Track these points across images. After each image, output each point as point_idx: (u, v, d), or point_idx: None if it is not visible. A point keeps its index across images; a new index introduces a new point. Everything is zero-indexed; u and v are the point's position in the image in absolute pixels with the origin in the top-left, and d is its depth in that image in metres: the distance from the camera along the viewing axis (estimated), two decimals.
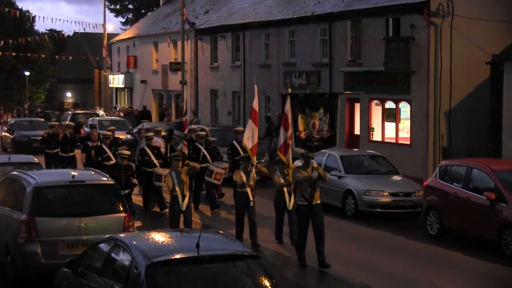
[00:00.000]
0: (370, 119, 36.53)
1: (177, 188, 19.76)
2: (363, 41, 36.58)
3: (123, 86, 68.39)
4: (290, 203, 20.33)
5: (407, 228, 23.61)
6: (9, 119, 67.95)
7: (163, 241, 12.55)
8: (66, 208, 17.16)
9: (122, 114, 59.19)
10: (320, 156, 28.11)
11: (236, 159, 26.13)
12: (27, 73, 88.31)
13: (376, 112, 36.29)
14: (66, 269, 13.38)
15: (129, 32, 71.42)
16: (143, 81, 63.46)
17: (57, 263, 14.59)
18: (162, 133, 30.47)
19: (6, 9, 79.69)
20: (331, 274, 17.85)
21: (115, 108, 69.09)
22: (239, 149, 26.90)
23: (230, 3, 53.72)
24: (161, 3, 71.53)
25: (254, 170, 21.02)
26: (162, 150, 27.18)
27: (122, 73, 68.09)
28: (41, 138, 39.75)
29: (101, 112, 63.16)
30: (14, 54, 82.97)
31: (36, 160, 25.22)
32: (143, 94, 63.47)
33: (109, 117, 54.51)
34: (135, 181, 21.00)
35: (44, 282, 15.08)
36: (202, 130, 37.86)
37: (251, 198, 20.51)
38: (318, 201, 18.39)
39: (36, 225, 16.44)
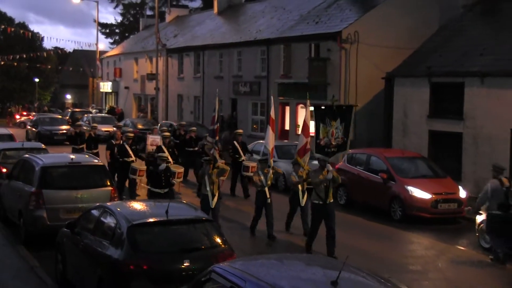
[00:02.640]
0: (297, 118, 36.66)
1: (208, 188, 16.83)
2: (292, 60, 36.68)
3: (110, 90, 67.73)
4: (303, 200, 17.82)
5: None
6: (19, 116, 67.37)
7: (140, 209, 12.58)
8: (66, 183, 17.04)
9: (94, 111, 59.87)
10: (259, 146, 28.11)
11: (241, 160, 24.37)
12: (36, 80, 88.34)
13: (301, 113, 36.25)
14: (66, 229, 13.35)
15: (116, 50, 70.88)
16: (126, 87, 62.85)
17: (59, 225, 14.54)
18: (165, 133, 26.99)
19: (22, 31, 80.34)
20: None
21: (92, 107, 68.79)
22: (239, 148, 25.06)
23: (193, 29, 53.57)
24: (140, 28, 71.06)
25: (271, 171, 18.30)
26: (152, 148, 23.77)
27: (110, 81, 67.41)
28: (65, 133, 39.00)
29: (93, 111, 62.75)
30: (27, 65, 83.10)
31: (43, 146, 24.97)
32: (126, 97, 62.98)
33: (100, 114, 53.79)
34: (174, 180, 18.08)
35: (48, 239, 14.92)
36: (171, 125, 37.93)
37: (268, 196, 17.64)
38: (331, 200, 15.92)
39: (43, 196, 16.42)
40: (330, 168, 15.75)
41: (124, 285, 10.62)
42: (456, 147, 25.42)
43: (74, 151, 25.38)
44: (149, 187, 17.05)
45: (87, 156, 19.58)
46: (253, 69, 40.75)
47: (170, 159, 22.29)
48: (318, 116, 16.26)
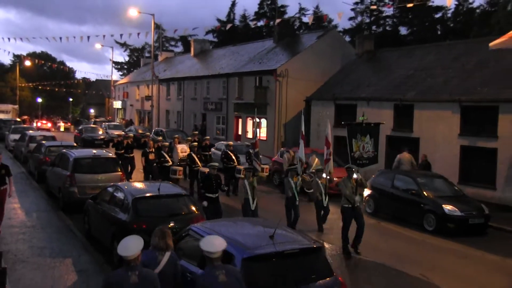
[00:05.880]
0: (246, 126, 36.74)
1: (249, 193, 13.74)
2: (244, 87, 36.73)
3: (120, 107, 66.75)
4: (325, 201, 15.09)
5: (263, 182, 22.27)
6: (60, 124, 66.34)
7: (141, 187, 12.53)
8: (91, 168, 16.92)
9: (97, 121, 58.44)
10: (221, 145, 27.96)
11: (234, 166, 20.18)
12: (70, 100, 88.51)
13: (249, 123, 36.48)
14: (90, 200, 13.30)
15: (124, 80, 69.86)
16: (131, 105, 61.99)
17: (85, 197, 14.43)
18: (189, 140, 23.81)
19: (61, 66, 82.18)
20: (362, 258, 12.16)
21: (100, 118, 68.02)
22: (232, 156, 20.68)
23: (177, 67, 53.23)
24: (141, 65, 70.29)
25: (300, 179, 15.20)
26: (185, 154, 20.59)
27: (120, 100, 66.52)
28: (103, 138, 37.39)
29: (108, 119, 62.19)
30: (64, 90, 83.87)
31: (75, 144, 24.52)
32: (131, 112, 62.23)
33: (113, 123, 52.96)
34: (225, 188, 14.85)
35: (79, 207, 14.78)
36: (161, 131, 37.60)
37: (297, 199, 14.58)
38: (358, 204, 12.84)
39: (75, 178, 16.34)
40: (359, 176, 12.97)
41: None
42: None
43: (116, 155, 22.24)
44: (203, 192, 13.99)
45: (104, 151, 19.30)
46: (217, 93, 40.58)
47: (199, 163, 19.29)
48: (350, 132, 13.29)
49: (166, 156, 19.86)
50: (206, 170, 15.43)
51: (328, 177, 15.43)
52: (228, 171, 20.39)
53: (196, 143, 21.39)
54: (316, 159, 17.98)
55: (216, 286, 5.87)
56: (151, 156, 20.46)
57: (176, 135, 26.78)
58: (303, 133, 16.39)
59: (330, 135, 15.84)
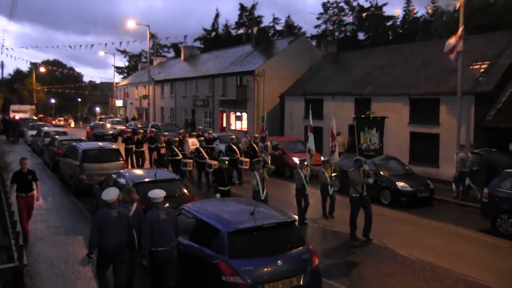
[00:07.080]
0: (230, 119, 36.63)
1: (259, 184, 12.38)
2: (227, 86, 36.58)
3: (122, 105, 65.90)
4: (331, 190, 13.84)
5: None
6: (69, 121, 65.38)
7: (140, 174, 12.40)
8: (97, 159, 16.70)
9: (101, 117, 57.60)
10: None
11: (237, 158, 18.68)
12: (79, 100, 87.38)
13: (232, 117, 36.36)
14: (97, 186, 13.14)
15: (125, 82, 68.98)
16: (131, 103, 61.36)
17: (93, 183, 14.35)
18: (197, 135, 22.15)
19: (71, 72, 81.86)
20: (374, 243, 10.95)
21: (102, 115, 67.16)
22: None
23: (170, 70, 52.72)
24: (139, 69, 69.50)
25: (309, 170, 13.65)
26: (193, 147, 19.13)
27: (121, 99, 65.72)
28: (112, 133, 35.60)
29: (109, 116, 61.32)
30: (73, 91, 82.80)
31: (83, 138, 24.19)
32: (130, 109, 61.57)
33: (116, 119, 52.25)
34: (236, 181, 12.99)
35: (87, 191, 14.60)
36: (157, 124, 37.19)
37: (306, 189, 13.12)
38: (366, 193, 11.68)
39: (83, 167, 16.15)
40: (367, 167, 11.83)
41: None
42: (319, 135, 25.85)
43: (126, 150, 21.68)
44: (216, 185, 12.74)
45: (108, 143, 19.07)
46: (204, 92, 40.27)
47: (206, 156, 18.13)
48: (359, 125, 12.08)
49: (176, 150, 18.65)
50: (214, 162, 14.19)
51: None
52: (231, 162, 18.68)
53: (203, 137, 20.13)
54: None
55: (158, 221, 7.35)
56: (163, 151, 19.51)
57: (181, 130, 25.86)
58: (311, 126, 15.22)
59: (334, 127, 14.70)
